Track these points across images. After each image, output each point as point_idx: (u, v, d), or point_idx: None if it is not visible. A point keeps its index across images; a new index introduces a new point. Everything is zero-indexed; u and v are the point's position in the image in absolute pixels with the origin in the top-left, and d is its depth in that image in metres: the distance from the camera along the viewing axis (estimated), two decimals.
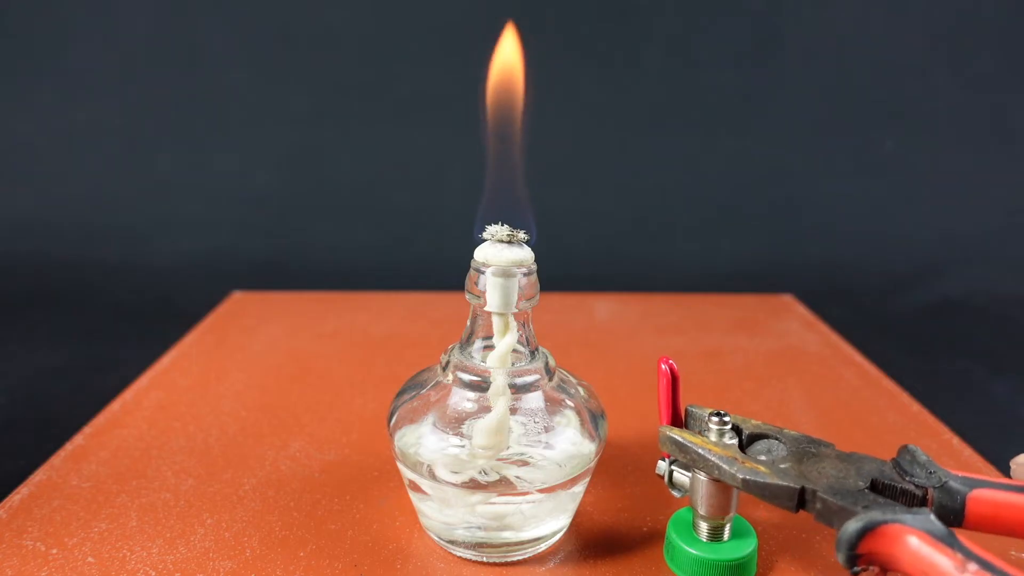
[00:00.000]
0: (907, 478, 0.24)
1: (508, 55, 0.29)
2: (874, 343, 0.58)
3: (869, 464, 0.25)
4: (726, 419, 0.28)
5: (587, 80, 0.91)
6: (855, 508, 0.23)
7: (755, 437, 0.28)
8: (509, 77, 0.28)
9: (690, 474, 0.28)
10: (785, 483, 0.24)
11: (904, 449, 0.25)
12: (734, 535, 0.29)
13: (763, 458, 0.26)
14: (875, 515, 0.22)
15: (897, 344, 0.64)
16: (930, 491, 0.24)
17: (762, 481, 0.25)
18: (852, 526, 0.22)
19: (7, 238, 0.84)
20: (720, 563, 0.27)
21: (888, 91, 0.91)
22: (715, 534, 0.28)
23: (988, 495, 0.23)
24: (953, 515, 0.23)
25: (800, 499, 0.24)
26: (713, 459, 0.26)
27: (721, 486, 0.27)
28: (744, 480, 0.25)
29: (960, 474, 0.24)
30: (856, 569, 0.22)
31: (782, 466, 0.25)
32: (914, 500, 0.24)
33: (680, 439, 0.27)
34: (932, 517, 0.22)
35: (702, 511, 0.28)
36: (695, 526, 0.29)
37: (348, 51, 0.89)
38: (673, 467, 0.28)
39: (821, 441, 0.27)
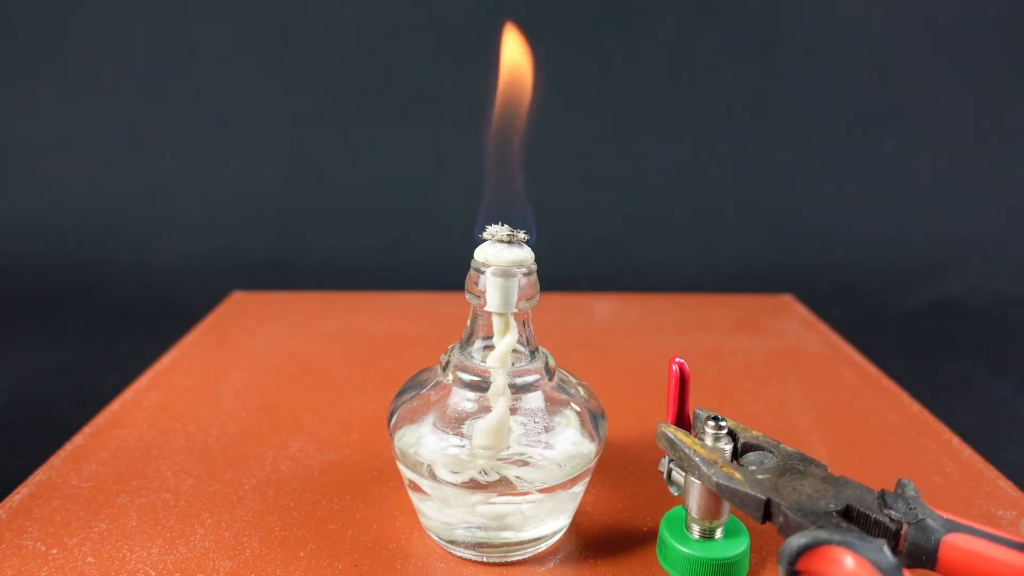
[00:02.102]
0: (885, 510, 0.23)
1: (516, 58, 0.29)
2: (874, 343, 0.58)
3: (852, 490, 0.24)
4: (722, 423, 0.28)
5: (588, 80, 0.91)
6: (810, 526, 0.23)
7: (750, 447, 0.28)
8: (518, 79, 0.28)
9: (685, 474, 0.28)
10: (753, 493, 0.24)
11: (899, 483, 0.24)
12: (727, 534, 0.29)
13: (753, 467, 0.26)
14: (821, 534, 0.22)
15: (897, 344, 0.64)
16: (905, 527, 0.23)
17: (733, 487, 0.25)
18: (795, 541, 0.22)
19: (7, 238, 0.84)
20: (712, 562, 0.27)
21: (888, 91, 0.91)
22: (707, 534, 0.28)
23: (964, 541, 0.22)
24: (925, 556, 0.22)
25: (766, 510, 0.24)
26: (696, 460, 0.26)
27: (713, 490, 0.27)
28: (718, 484, 0.25)
29: (946, 515, 0.23)
30: None
31: (759, 477, 0.25)
32: (886, 533, 0.23)
33: (672, 436, 0.27)
34: (884, 548, 0.21)
35: (694, 513, 0.28)
36: (687, 526, 0.29)
37: (348, 51, 0.89)
38: (672, 465, 0.29)
39: (814, 461, 0.26)
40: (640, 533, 0.31)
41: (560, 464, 0.28)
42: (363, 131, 0.90)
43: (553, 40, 0.90)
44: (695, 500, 0.28)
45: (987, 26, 0.90)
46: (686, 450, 0.27)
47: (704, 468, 0.26)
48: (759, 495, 0.24)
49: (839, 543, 0.21)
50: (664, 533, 0.29)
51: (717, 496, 0.27)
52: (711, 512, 0.28)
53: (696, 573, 0.28)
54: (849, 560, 0.21)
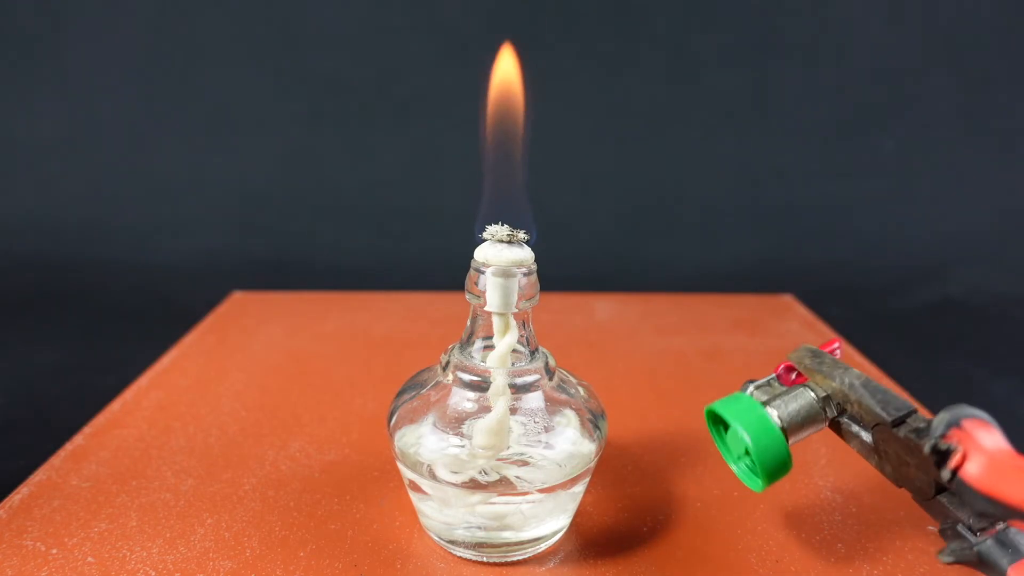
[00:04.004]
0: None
1: (507, 74, 0.29)
2: (874, 343, 0.58)
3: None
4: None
5: (587, 80, 0.91)
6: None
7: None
8: (509, 95, 0.28)
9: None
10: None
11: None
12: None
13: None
14: (965, 410, 0.22)
15: (897, 344, 0.64)
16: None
17: (875, 384, 0.25)
18: (943, 416, 0.22)
19: (7, 238, 0.84)
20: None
21: (888, 91, 0.91)
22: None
23: None
24: None
25: (904, 415, 0.24)
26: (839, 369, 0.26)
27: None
28: (865, 379, 0.25)
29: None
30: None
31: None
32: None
33: (816, 350, 0.28)
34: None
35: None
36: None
37: (348, 51, 0.89)
38: (753, 388, 0.28)
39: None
40: (640, 533, 0.31)
41: (560, 464, 0.28)
42: (363, 131, 0.90)
43: (553, 39, 0.90)
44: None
45: (987, 26, 0.90)
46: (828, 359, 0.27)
47: (843, 371, 0.26)
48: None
49: (981, 418, 0.22)
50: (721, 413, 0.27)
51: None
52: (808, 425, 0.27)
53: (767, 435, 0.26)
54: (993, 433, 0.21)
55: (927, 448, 0.22)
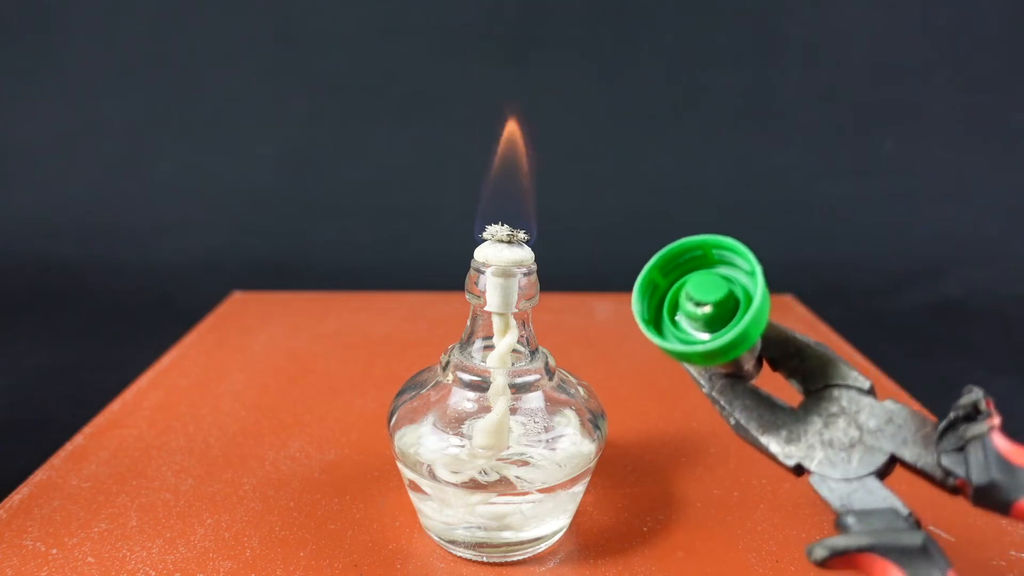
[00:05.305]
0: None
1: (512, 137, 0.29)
2: (874, 343, 0.58)
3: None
4: None
5: (588, 80, 0.91)
6: None
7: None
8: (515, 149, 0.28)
9: None
10: None
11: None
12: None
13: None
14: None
15: (897, 344, 0.64)
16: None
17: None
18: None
19: (7, 238, 0.84)
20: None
21: (888, 91, 0.91)
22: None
23: None
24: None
25: None
26: None
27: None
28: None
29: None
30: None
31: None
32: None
33: None
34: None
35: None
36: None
37: (348, 51, 0.89)
38: None
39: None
40: (640, 533, 0.31)
41: (560, 464, 0.28)
42: (363, 131, 0.90)
43: (553, 39, 0.90)
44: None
45: (986, 26, 0.90)
46: None
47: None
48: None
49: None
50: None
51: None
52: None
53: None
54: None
55: (966, 401, 0.22)
